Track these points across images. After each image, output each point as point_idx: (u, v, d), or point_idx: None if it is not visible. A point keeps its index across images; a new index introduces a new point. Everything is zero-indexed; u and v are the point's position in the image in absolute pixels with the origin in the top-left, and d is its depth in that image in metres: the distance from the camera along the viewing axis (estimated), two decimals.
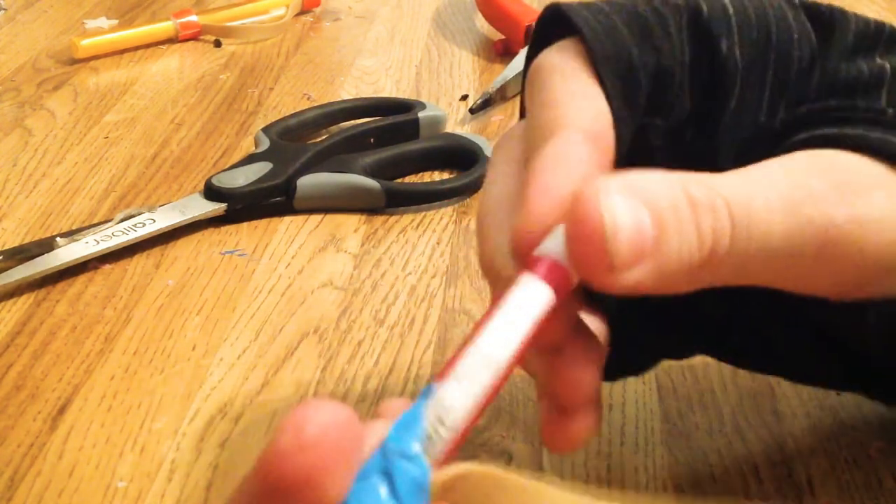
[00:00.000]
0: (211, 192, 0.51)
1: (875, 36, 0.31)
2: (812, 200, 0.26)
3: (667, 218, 0.24)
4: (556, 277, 0.24)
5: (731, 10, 0.30)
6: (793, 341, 0.33)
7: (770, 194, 0.26)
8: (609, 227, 0.23)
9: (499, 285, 0.27)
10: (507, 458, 0.36)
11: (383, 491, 0.21)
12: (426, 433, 0.22)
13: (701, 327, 0.33)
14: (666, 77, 0.29)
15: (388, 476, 0.21)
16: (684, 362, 0.41)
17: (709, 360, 0.41)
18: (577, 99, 0.28)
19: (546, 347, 0.27)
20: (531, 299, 0.24)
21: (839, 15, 0.31)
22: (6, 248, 0.48)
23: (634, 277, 0.24)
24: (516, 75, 0.64)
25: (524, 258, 0.25)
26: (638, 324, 0.32)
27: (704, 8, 0.30)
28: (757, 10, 0.30)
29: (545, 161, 0.26)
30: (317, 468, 0.19)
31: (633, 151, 0.29)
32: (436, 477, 0.22)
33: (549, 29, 0.30)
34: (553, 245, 0.24)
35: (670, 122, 0.30)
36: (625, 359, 0.32)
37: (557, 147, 0.26)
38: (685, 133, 0.30)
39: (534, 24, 0.32)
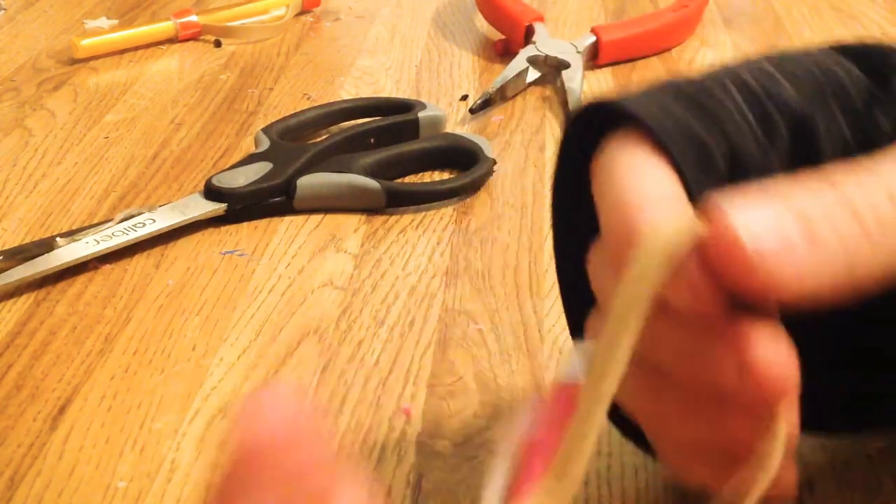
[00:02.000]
0: (211, 192, 0.51)
1: None
2: None
3: (819, 224, 0.23)
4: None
5: (777, 74, 0.29)
6: None
7: None
8: (744, 235, 0.22)
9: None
10: None
11: None
12: None
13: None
14: (739, 151, 0.28)
15: None
16: None
17: None
18: (656, 202, 0.26)
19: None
20: None
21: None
22: (6, 248, 0.48)
23: (810, 280, 0.23)
24: (516, 75, 0.64)
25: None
26: None
27: (750, 79, 0.29)
28: (799, 67, 0.30)
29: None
30: (280, 435, 0.20)
31: None
32: None
33: (586, 126, 0.29)
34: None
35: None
36: None
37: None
38: None
39: (566, 124, 0.30)
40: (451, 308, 0.45)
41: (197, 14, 0.74)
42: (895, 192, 0.23)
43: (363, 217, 0.52)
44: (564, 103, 0.62)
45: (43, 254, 0.47)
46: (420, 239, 0.50)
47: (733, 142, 0.28)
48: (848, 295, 0.23)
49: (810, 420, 0.29)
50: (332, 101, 0.63)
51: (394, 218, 0.52)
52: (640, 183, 0.26)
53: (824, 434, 0.34)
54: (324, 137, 0.58)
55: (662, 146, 0.26)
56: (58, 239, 0.48)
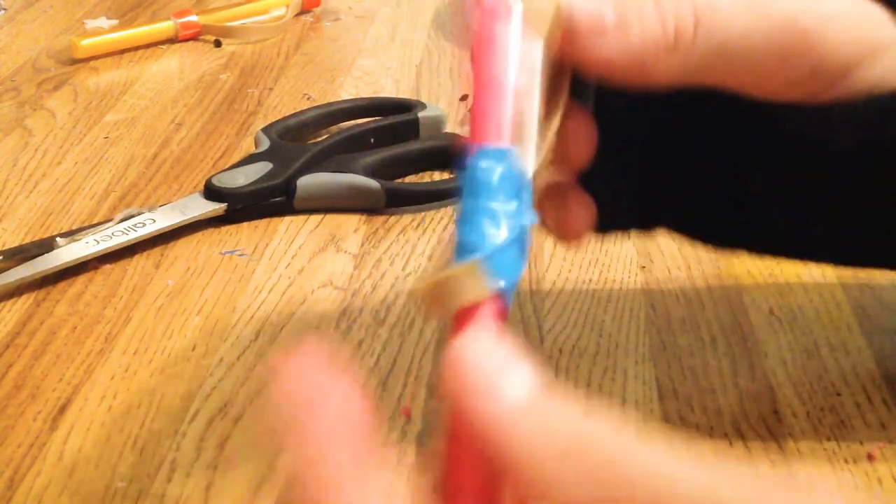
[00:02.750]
0: (211, 192, 0.51)
1: None
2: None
3: (629, 8, 0.29)
4: None
5: None
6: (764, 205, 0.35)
7: None
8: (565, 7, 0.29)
9: None
10: None
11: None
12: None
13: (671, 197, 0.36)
14: None
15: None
16: (684, 363, 0.41)
17: (709, 359, 0.41)
18: None
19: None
20: None
21: None
22: (6, 248, 0.48)
23: (601, 50, 0.29)
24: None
25: None
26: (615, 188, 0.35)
27: None
28: None
29: None
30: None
31: None
32: None
33: None
34: None
35: None
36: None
37: None
38: None
39: None
40: None
41: (197, 14, 0.74)
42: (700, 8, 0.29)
43: (363, 217, 0.52)
44: None
45: (43, 254, 0.47)
46: (420, 239, 0.50)
47: None
48: (646, 84, 0.30)
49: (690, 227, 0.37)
50: (332, 101, 0.63)
51: (394, 218, 0.52)
52: None
53: (706, 243, 0.38)
54: (324, 137, 0.58)
55: None
56: (58, 239, 0.48)
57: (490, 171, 0.23)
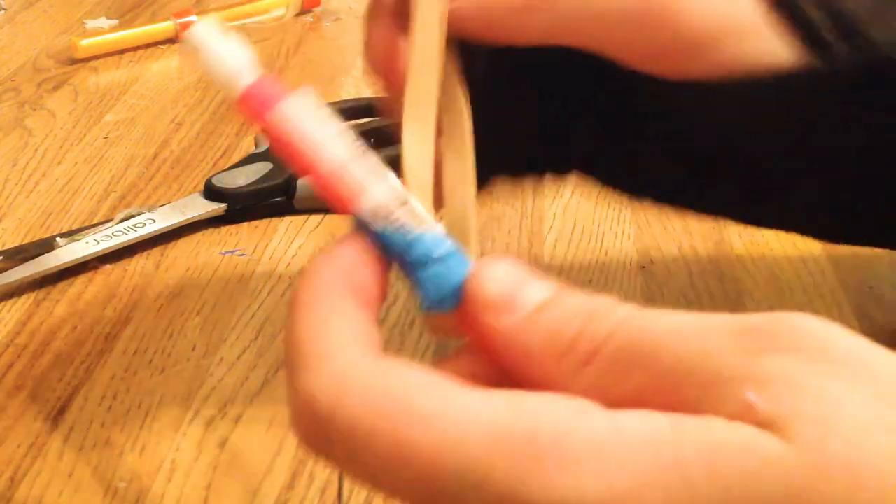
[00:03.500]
0: (211, 192, 0.51)
1: None
2: None
3: None
4: None
5: None
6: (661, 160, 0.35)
7: None
8: None
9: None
10: None
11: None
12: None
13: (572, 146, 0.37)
14: None
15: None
16: None
17: None
18: None
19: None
20: None
21: None
22: (6, 248, 0.48)
23: (459, 10, 0.29)
24: None
25: None
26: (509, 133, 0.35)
27: None
28: None
29: None
30: None
31: None
32: None
33: None
34: None
35: None
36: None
37: None
38: None
39: None
40: None
41: (197, 14, 0.74)
42: None
43: None
44: None
45: (43, 254, 0.47)
46: None
47: None
48: (513, 42, 0.30)
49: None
50: (332, 101, 0.63)
51: None
52: None
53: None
54: None
55: None
56: (58, 239, 0.48)
57: (399, 233, 0.24)
